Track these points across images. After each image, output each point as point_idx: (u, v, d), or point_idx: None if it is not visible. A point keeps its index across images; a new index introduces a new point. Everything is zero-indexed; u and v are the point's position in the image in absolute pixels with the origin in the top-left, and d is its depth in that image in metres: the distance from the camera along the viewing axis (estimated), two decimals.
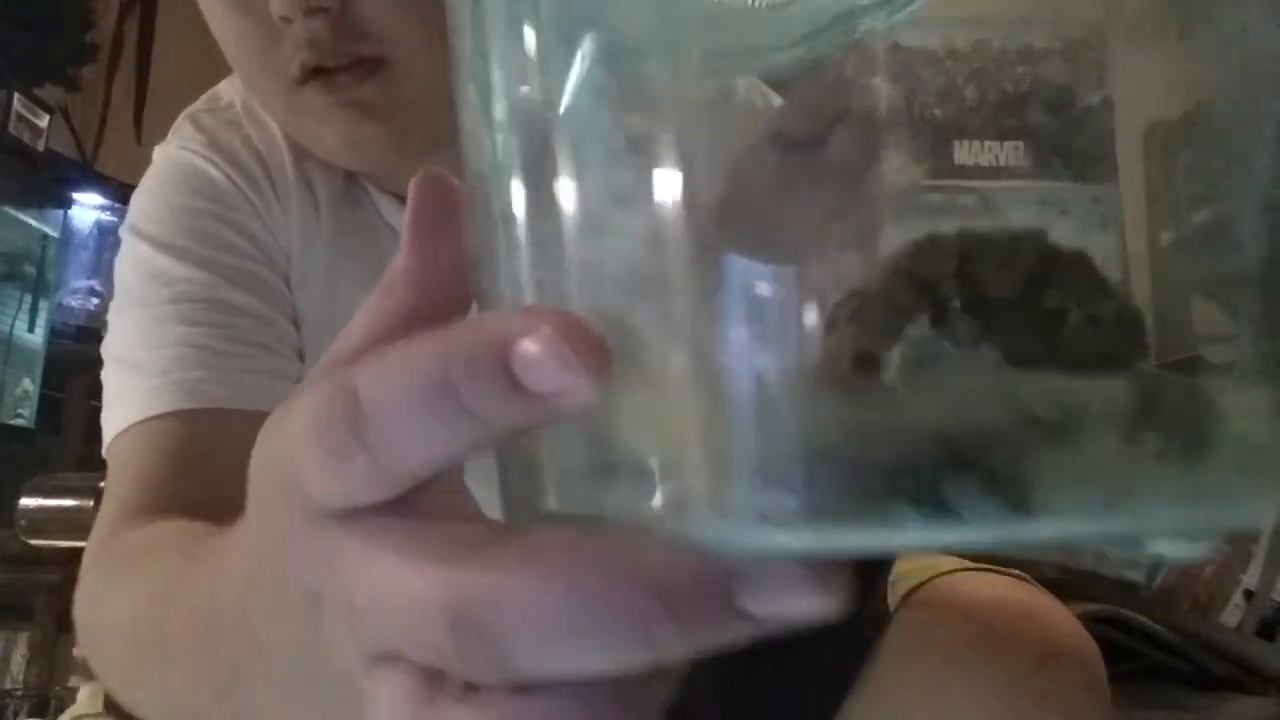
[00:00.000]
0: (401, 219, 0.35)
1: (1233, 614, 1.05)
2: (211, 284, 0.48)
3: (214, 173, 0.51)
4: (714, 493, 0.18)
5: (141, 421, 0.45)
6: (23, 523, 0.69)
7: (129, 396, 0.47)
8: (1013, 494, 0.17)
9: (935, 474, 0.17)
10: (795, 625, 0.17)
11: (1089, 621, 0.94)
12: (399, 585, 0.18)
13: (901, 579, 0.51)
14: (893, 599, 0.50)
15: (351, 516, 0.18)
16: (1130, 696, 0.96)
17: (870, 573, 0.50)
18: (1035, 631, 0.47)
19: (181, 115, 0.56)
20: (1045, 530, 0.18)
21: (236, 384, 0.46)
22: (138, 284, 0.50)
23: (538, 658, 0.17)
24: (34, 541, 0.70)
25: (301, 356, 0.52)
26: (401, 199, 0.51)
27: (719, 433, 0.18)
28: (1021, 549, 0.45)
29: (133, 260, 0.51)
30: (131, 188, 0.54)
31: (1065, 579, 1.06)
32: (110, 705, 0.51)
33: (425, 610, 0.17)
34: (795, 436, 0.18)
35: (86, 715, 0.49)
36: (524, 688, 0.17)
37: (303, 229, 0.52)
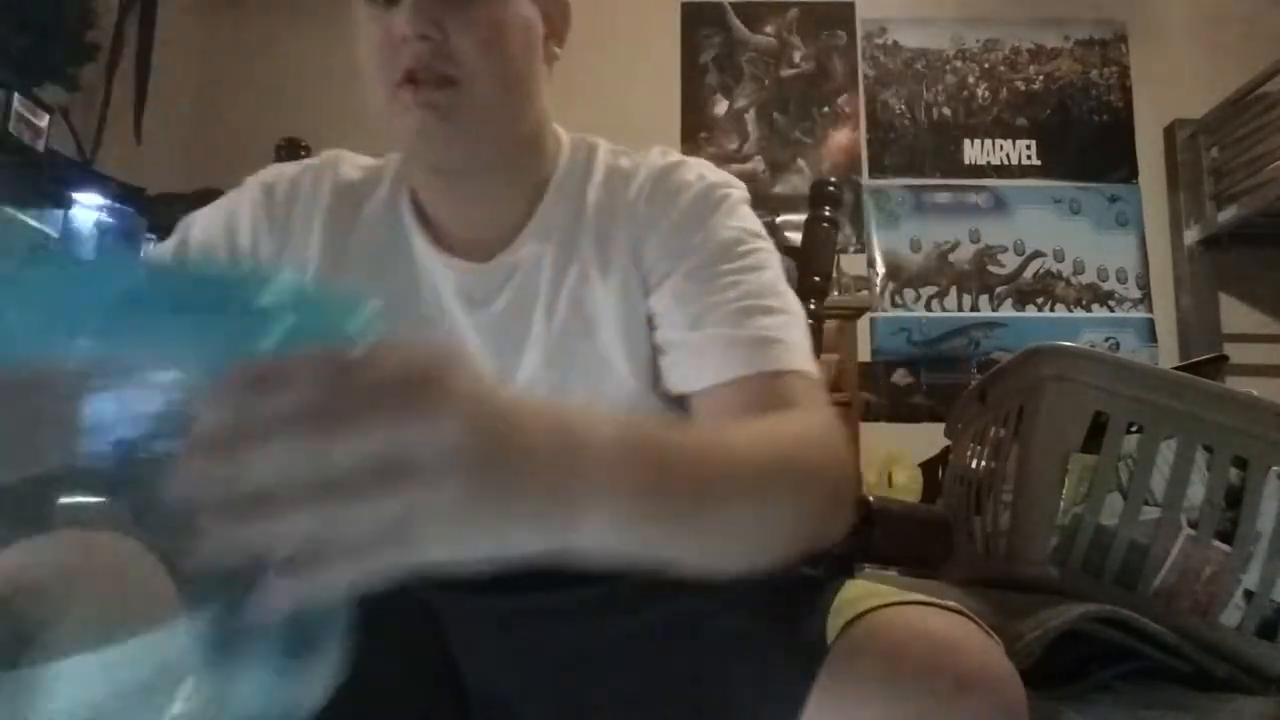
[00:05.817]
0: (425, 248, 0.74)
1: (1233, 614, 1.05)
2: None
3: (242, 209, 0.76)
4: None
5: None
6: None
7: None
8: None
9: None
10: None
11: (1089, 621, 0.94)
12: None
13: (840, 611, 0.53)
14: (832, 631, 0.52)
15: None
16: (1130, 696, 0.96)
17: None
18: (954, 663, 0.49)
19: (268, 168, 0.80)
20: None
21: None
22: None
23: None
24: None
25: None
26: (438, 245, 0.75)
27: None
28: None
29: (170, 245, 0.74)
30: (131, 187, 0.56)
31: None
32: None
33: None
34: None
35: None
36: None
37: (330, 239, 0.75)
